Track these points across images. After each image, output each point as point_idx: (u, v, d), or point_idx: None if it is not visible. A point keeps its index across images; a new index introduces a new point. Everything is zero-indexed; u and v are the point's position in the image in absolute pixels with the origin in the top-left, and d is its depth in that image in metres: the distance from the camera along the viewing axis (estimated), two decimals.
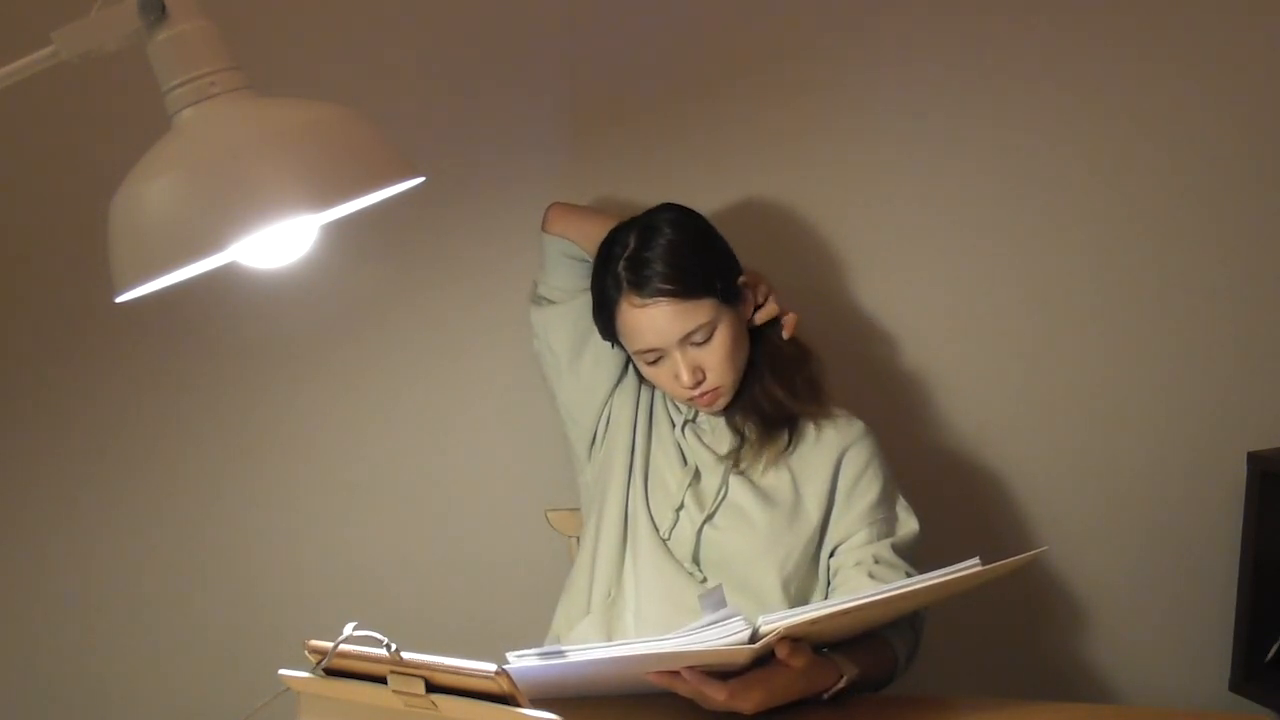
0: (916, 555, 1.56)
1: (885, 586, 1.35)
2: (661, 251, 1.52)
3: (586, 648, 1.32)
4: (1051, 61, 1.86)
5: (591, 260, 1.63)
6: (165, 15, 0.96)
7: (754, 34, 1.87)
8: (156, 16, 0.95)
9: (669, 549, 1.57)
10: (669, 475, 1.61)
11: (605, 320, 1.57)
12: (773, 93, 1.87)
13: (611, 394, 1.67)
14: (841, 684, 1.38)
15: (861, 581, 1.51)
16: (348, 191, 0.96)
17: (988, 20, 1.85)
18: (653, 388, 1.66)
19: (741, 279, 1.58)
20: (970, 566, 1.30)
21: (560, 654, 1.27)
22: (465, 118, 1.86)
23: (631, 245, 1.53)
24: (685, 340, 1.52)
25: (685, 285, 1.50)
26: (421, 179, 1.04)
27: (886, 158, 1.89)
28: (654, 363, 1.55)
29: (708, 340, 1.53)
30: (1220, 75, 1.88)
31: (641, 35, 1.86)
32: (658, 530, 1.58)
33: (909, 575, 1.51)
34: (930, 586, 1.32)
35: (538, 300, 1.70)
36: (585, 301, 1.64)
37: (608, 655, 1.29)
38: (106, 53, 0.96)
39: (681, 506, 1.58)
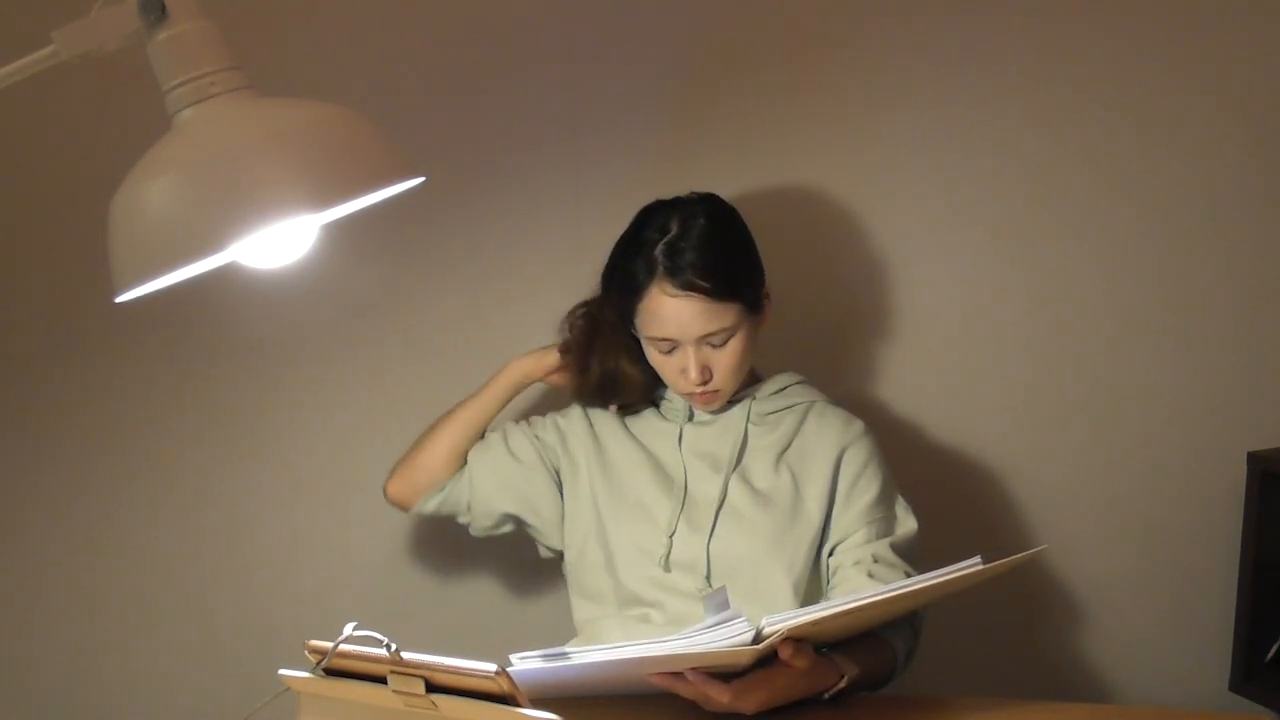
0: (916, 554, 1.57)
1: (887, 586, 1.35)
2: (701, 244, 1.51)
3: (589, 649, 1.31)
4: (1059, 65, 1.86)
5: (445, 485, 1.67)
6: (165, 15, 0.96)
7: (759, 32, 1.86)
8: (156, 16, 0.96)
9: (669, 571, 1.56)
10: (654, 506, 1.59)
11: (626, 300, 1.55)
12: (772, 95, 1.87)
13: (556, 474, 1.66)
14: (842, 684, 1.38)
15: (861, 581, 1.51)
16: (348, 191, 0.96)
17: (1003, 23, 1.85)
18: (591, 436, 1.66)
19: (765, 290, 1.59)
20: (971, 566, 1.30)
21: (563, 655, 1.27)
22: (466, 117, 1.86)
23: (673, 231, 1.52)
24: (703, 339, 1.52)
25: (718, 286, 1.50)
26: (421, 179, 1.04)
27: (889, 158, 1.89)
28: (667, 352, 1.55)
29: (724, 344, 1.53)
30: (1221, 79, 1.88)
31: (644, 34, 1.86)
32: (656, 564, 1.57)
33: (908, 575, 1.51)
34: (931, 586, 1.32)
35: (471, 529, 1.71)
36: (478, 470, 1.67)
37: (610, 657, 1.29)
38: (106, 53, 0.97)
39: (674, 532, 1.57)
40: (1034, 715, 1.43)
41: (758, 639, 1.26)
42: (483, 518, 1.69)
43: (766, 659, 1.31)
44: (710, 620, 1.28)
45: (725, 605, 1.28)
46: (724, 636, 1.26)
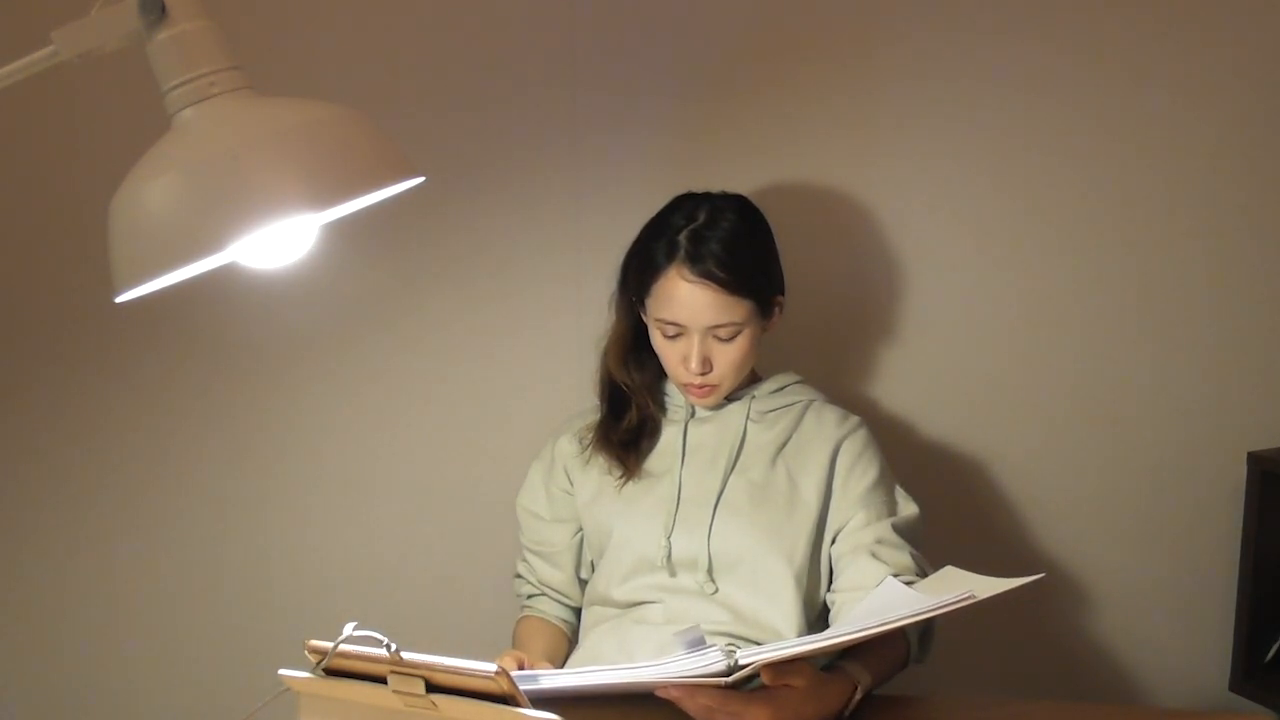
0: (920, 538, 1.56)
1: (870, 623, 1.26)
2: (725, 236, 1.53)
3: (558, 673, 1.30)
4: (1062, 81, 1.86)
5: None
6: (165, 15, 0.96)
7: (761, 37, 1.86)
8: (156, 16, 0.95)
9: (674, 576, 1.56)
10: (650, 509, 1.59)
11: (643, 279, 1.56)
12: (774, 98, 1.87)
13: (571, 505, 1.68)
14: (858, 696, 1.34)
15: (865, 566, 1.50)
16: (348, 191, 0.96)
17: (1007, 44, 1.85)
18: (580, 450, 1.66)
19: (779, 298, 1.60)
20: (963, 598, 1.24)
21: (533, 679, 1.26)
22: (466, 117, 1.86)
23: (700, 220, 1.54)
24: (710, 330, 1.53)
25: (735, 279, 1.51)
26: (421, 179, 1.04)
27: (892, 165, 1.89)
28: (672, 337, 1.55)
29: (730, 339, 1.54)
30: (1217, 77, 1.88)
31: (648, 32, 1.86)
32: (658, 566, 1.56)
33: (912, 555, 1.51)
34: (918, 619, 1.26)
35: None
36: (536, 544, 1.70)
37: (581, 683, 1.27)
38: (106, 53, 0.96)
39: (672, 533, 1.57)
40: (1034, 714, 1.43)
41: (732, 670, 1.22)
42: (573, 552, 1.70)
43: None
44: (683, 653, 1.25)
45: (700, 643, 1.25)
46: (696, 666, 1.23)
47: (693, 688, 1.24)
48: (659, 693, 1.26)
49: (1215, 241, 1.93)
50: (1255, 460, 1.92)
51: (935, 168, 1.89)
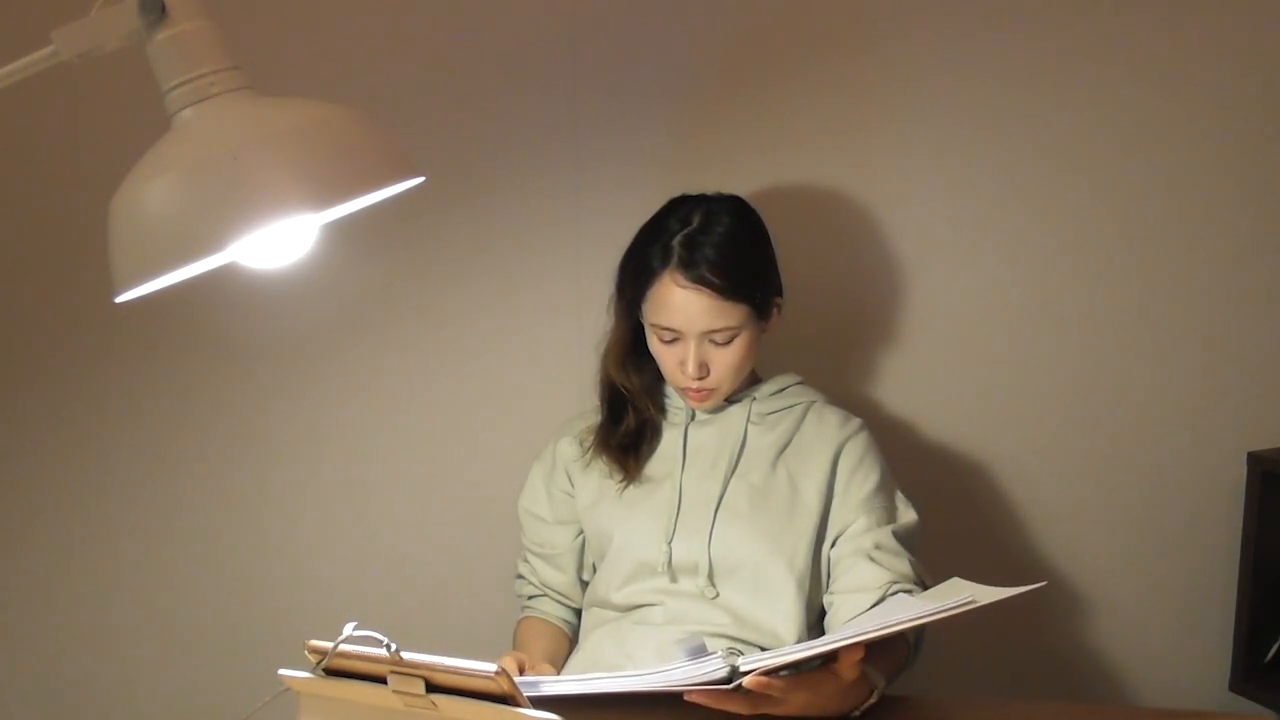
0: (918, 545, 1.56)
1: (872, 626, 1.26)
2: (719, 241, 1.52)
3: (559, 680, 1.30)
4: (1065, 82, 1.86)
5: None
6: (165, 15, 0.96)
7: (763, 36, 1.86)
8: (156, 16, 0.96)
9: (675, 581, 1.56)
10: (650, 514, 1.59)
11: (638, 284, 1.56)
12: (775, 98, 1.87)
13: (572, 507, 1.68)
14: (874, 699, 1.34)
15: (864, 568, 1.50)
16: (348, 191, 0.96)
17: (1012, 45, 1.85)
18: (582, 452, 1.66)
19: (778, 298, 1.60)
20: (965, 603, 1.24)
21: (534, 686, 1.26)
22: (466, 117, 1.86)
23: (694, 224, 1.53)
24: (706, 335, 1.52)
25: (730, 284, 1.50)
26: (421, 179, 1.04)
27: (894, 166, 1.89)
28: (668, 342, 1.55)
29: (727, 343, 1.54)
30: (1218, 77, 1.88)
31: (648, 32, 1.86)
32: (658, 571, 1.56)
33: (911, 563, 1.51)
34: (922, 621, 1.26)
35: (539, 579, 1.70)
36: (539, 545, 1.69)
37: (582, 690, 1.27)
38: (106, 53, 0.97)
39: (673, 538, 1.57)
40: (1034, 715, 1.43)
41: (733, 677, 1.22)
42: (575, 554, 1.69)
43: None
44: (685, 661, 1.25)
45: (701, 651, 1.25)
46: (698, 674, 1.22)
47: (720, 695, 1.23)
48: (688, 697, 1.24)
49: (1215, 242, 1.93)
50: (1255, 460, 1.92)
51: (936, 168, 1.89)
